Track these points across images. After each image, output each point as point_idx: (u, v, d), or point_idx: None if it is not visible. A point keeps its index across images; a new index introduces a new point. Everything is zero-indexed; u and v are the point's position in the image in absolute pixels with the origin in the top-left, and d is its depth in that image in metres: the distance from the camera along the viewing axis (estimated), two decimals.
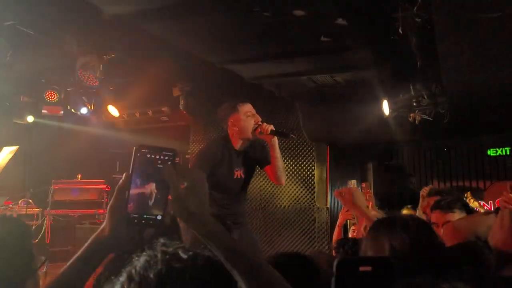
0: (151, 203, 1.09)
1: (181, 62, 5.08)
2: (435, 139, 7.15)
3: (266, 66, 4.95)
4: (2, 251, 1.59)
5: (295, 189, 6.87)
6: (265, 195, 6.97)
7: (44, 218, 6.97)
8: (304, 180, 6.83)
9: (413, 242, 1.50)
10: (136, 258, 0.92)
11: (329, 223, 6.59)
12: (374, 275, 1.06)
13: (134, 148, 1.11)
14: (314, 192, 6.80)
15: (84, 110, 6.97)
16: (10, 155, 6.54)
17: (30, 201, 6.96)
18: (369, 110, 5.58)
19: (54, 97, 6.70)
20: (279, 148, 3.53)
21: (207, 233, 1.07)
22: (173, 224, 1.13)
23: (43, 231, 6.81)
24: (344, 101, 5.92)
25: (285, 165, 3.83)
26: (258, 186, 6.86)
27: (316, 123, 6.47)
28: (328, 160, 6.89)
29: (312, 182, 6.81)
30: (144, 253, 0.92)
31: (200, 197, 1.09)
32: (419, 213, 3.94)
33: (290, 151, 6.80)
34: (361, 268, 1.06)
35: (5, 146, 6.61)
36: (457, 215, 2.85)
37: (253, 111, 3.48)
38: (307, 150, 6.86)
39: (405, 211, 4.46)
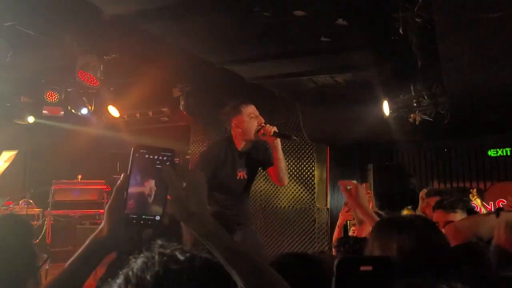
0: (149, 203, 1.09)
1: (181, 62, 5.08)
2: (435, 140, 7.15)
3: (266, 66, 4.95)
4: (5, 249, 1.59)
5: (295, 190, 6.87)
6: (265, 196, 6.97)
7: (45, 219, 6.97)
8: (304, 181, 6.83)
9: (421, 242, 1.50)
10: (133, 259, 0.91)
11: (329, 224, 6.59)
12: (375, 275, 1.06)
13: (132, 148, 1.11)
14: (314, 192, 6.80)
15: (84, 111, 6.97)
16: (10, 160, 6.56)
17: (31, 201, 6.97)
18: (369, 110, 5.57)
19: (54, 98, 6.70)
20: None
21: (206, 234, 1.07)
22: (171, 225, 1.13)
23: (43, 231, 6.82)
24: (344, 102, 5.91)
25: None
26: (258, 187, 6.87)
27: (316, 123, 6.47)
28: (328, 160, 6.89)
29: (312, 183, 6.81)
30: (142, 255, 0.91)
31: (200, 198, 1.09)
32: (418, 214, 3.94)
33: (290, 151, 6.80)
34: (362, 268, 1.06)
35: (6, 146, 6.62)
36: (459, 215, 2.85)
37: (257, 112, 3.50)
38: (307, 151, 6.86)
39: (405, 212, 4.46)
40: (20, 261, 1.58)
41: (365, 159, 7.07)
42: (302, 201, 6.82)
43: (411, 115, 5.26)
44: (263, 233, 6.81)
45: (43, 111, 6.91)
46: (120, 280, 0.89)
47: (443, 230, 2.32)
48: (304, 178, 6.83)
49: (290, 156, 6.77)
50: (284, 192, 6.90)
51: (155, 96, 6.84)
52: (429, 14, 3.40)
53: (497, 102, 5.30)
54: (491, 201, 6.70)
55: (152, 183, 1.09)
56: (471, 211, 3.10)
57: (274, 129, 3.42)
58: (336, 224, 3.84)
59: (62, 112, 6.97)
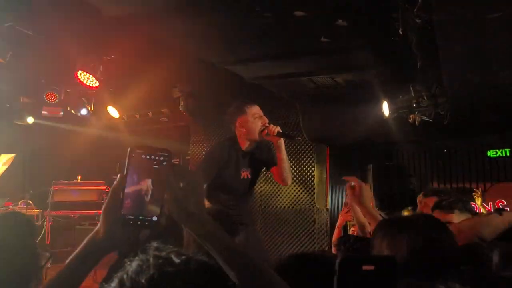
0: (146, 204, 1.09)
1: (181, 62, 5.08)
2: (435, 140, 7.15)
3: (266, 66, 4.95)
4: (6, 249, 1.59)
5: (295, 190, 6.87)
6: (265, 196, 6.97)
7: (44, 219, 6.96)
8: (304, 181, 6.83)
9: (432, 242, 1.50)
10: (128, 262, 0.90)
11: (328, 224, 6.58)
12: (377, 274, 1.06)
13: (129, 149, 1.10)
14: (314, 193, 6.79)
15: (84, 111, 6.96)
16: (8, 163, 6.56)
17: (30, 202, 6.96)
18: (369, 111, 5.58)
19: (54, 98, 6.69)
20: None
21: (205, 234, 1.06)
22: (171, 226, 1.12)
23: (43, 232, 6.81)
24: (344, 102, 5.91)
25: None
26: (258, 187, 6.86)
27: (316, 123, 6.47)
28: (328, 161, 6.89)
29: (312, 183, 6.81)
30: (137, 258, 0.90)
31: (198, 198, 1.09)
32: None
33: (290, 151, 6.79)
34: (364, 267, 1.06)
35: (5, 147, 6.62)
36: (457, 216, 2.85)
37: (261, 112, 3.54)
38: (307, 151, 6.86)
39: (405, 213, 4.46)
40: (21, 260, 1.58)
41: (365, 159, 7.06)
42: (301, 202, 6.82)
43: (411, 116, 5.26)
44: (263, 234, 6.80)
45: (43, 112, 6.90)
46: (114, 283, 0.88)
47: None
48: (303, 178, 6.83)
49: (290, 156, 6.72)
50: (284, 193, 6.90)
51: (155, 97, 6.84)
52: (429, 14, 3.39)
53: (497, 102, 5.30)
54: (490, 201, 6.70)
55: (149, 183, 1.09)
56: (471, 211, 3.10)
57: (278, 129, 3.45)
58: (335, 224, 3.83)
59: (62, 113, 6.97)
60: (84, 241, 1.12)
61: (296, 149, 6.84)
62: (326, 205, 6.75)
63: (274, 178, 3.83)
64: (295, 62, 4.77)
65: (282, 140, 3.51)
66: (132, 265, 0.88)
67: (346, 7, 3.53)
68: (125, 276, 0.87)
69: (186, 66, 5.24)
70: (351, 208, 3.19)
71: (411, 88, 4.86)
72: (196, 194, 1.08)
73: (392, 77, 4.76)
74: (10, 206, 6.77)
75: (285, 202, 6.91)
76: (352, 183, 2.47)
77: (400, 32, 3.59)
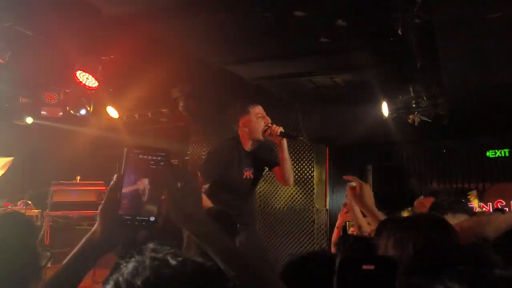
0: (144, 204, 1.08)
1: (180, 63, 5.08)
2: (434, 140, 7.16)
3: (265, 66, 4.95)
4: (6, 249, 1.59)
5: (294, 191, 6.86)
6: (264, 197, 6.96)
7: (43, 220, 6.95)
8: (303, 181, 6.82)
9: (438, 241, 1.50)
10: (124, 264, 0.89)
11: (328, 225, 6.58)
12: (377, 274, 1.06)
13: (126, 149, 1.10)
14: (313, 193, 6.78)
15: (83, 112, 6.95)
16: (6, 167, 6.56)
17: (29, 202, 6.95)
18: (368, 111, 5.58)
19: (53, 99, 6.69)
20: None
21: (203, 235, 1.06)
22: (169, 226, 1.12)
23: (42, 232, 6.79)
24: (344, 102, 5.91)
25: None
26: (257, 187, 6.84)
27: (315, 124, 6.46)
28: (327, 161, 6.89)
29: (311, 183, 6.80)
30: (133, 259, 0.89)
31: (196, 198, 1.08)
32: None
33: (289, 152, 6.74)
34: (364, 267, 1.06)
35: (4, 147, 6.61)
36: (451, 217, 2.84)
37: (264, 113, 3.58)
38: (306, 151, 6.85)
39: (405, 214, 4.45)
40: (21, 260, 1.57)
41: (364, 159, 7.06)
42: (301, 202, 6.81)
43: (410, 116, 5.27)
44: (262, 234, 6.80)
45: (42, 112, 6.89)
46: (109, 286, 0.87)
47: None
48: (303, 178, 6.82)
49: (289, 156, 6.75)
50: (283, 193, 6.89)
51: (154, 97, 6.83)
52: (428, 14, 3.40)
53: (496, 102, 5.30)
54: (489, 201, 6.71)
55: (146, 183, 1.09)
56: (467, 212, 3.09)
57: (281, 129, 3.49)
58: (335, 225, 3.83)
59: (61, 113, 6.96)
60: (82, 242, 1.12)
61: (296, 149, 6.83)
62: (325, 205, 6.75)
63: (276, 178, 3.85)
64: (294, 62, 4.77)
65: (284, 140, 3.53)
66: (128, 267, 0.87)
67: (345, 7, 3.54)
68: (120, 278, 0.86)
69: (185, 66, 5.24)
70: (350, 209, 3.19)
71: (411, 89, 4.87)
72: (194, 195, 1.08)
73: (391, 78, 4.76)
74: (9, 207, 6.75)
75: (284, 202, 6.90)
76: (353, 183, 2.47)
77: (400, 32, 3.59)
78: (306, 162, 6.84)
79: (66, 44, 4.76)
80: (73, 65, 5.37)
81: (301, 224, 6.75)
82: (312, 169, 6.81)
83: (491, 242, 1.85)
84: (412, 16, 3.43)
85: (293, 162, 6.77)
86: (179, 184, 1.06)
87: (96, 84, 5.64)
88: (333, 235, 3.75)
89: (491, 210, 6.49)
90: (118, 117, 7.17)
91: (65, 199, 7.27)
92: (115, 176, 1.11)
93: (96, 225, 1.12)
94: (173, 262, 0.87)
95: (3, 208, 6.62)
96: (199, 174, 3.42)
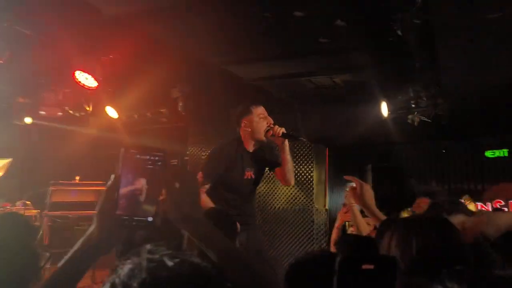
0: (141, 204, 1.08)
1: (180, 63, 5.08)
2: (433, 140, 7.16)
3: (265, 67, 4.95)
4: (5, 249, 1.58)
5: (293, 191, 6.85)
6: (263, 197, 6.96)
7: (43, 220, 6.94)
8: (302, 182, 6.82)
9: (442, 241, 1.50)
10: (121, 266, 0.87)
11: (327, 225, 6.58)
12: (377, 273, 1.06)
13: (122, 149, 1.09)
14: (313, 193, 6.78)
15: (82, 112, 6.94)
16: (4, 169, 6.54)
17: (28, 202, 6.94)
18: (367, 111, 5.58)
19: (52, 99, 6.67)
20: None
21: (202, 236, 1.06)
22: (166, 226, 1.11)
23: (41, 232, 6.78)
24: (343, 103, 5.92)
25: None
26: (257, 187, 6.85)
27: (315, 124, 6.47)
28: (327, 161, 6.89)
29: (311, 184, 6.80)
30: (129, 261, 0.87)
31: (194, 199, 1.08)
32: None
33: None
34: (364, 266, 1.06)
35: (3, 147, 6.59)
36: (453, 217, 2.84)
37: (266, 113, 3.60)
38: (306, 151, 6.85)
39: (404, 214, 4.45)
40: (21, 261, 1.57)
41: (364, 159, 7.07)
42: (300, 202, 6.81)
43: (410, 116, 5.27)
44: (261, 234, 6.80)
45: (41, 112, 6.87)
46: (106, 287, 0.86)
47: None
48: (302, 179, 6.82)
49: None
50: (283, 193, 6.89)
51: (154, 97, 6.81)
52: (428, 15, 3.40)
53: (496, 103, 5.31)
54: (488, 202, 6.71)
55: (143, 183, 1.08)
56: (465, 213, 3.09)
57: (283, 130, 3.49)
58: (334, 225, 3.83)
59: (60, 113, 6.94)
60: (79, 242, 1.11)
61: (295, 150, 6.83)
62: (325, 205, 6.75)
63: (277, 179, 3.85)
64: (294, 63, 4.77)
65: (286, 141, 3.55)
66: (124, 269, 0.86)
67: (345, 7, 3.54)
68: (117, 280, 0.84)
69: (185, 66, 5.24)
70: (350, 209, 3.20)
71: (410, 89, 4.87)
72: (192, 195, 1.08)
73: (391, 78, 4.76)
74: (8, 207, 6.74)
75: (283, 202, 6.90)
76: (352, 184, 2.46)
77: (399, 32, 3.59)
78: (305, 162, 6.84)
79: (66, 44, 4.75)
80: (72, 65, 5.36)
81: (300, 224, 6.75)
82: (312, 169, 6.81)
83: (492, 242, 1.85)
84: (411, 16, 3.43)
85: (292, 162, 6.79)
86: (177, 185, 1.06)
87: (96, 84, 5.62)
88: (332, 235, 3.76)
89: (490, 210, 6.49)
90: (118, 117, 7.15)
91: (64, 199, 7.26)
92: (112, 176, 1.10)
93: (93, 225, 1.11)
94: (170, 263, 0.86)
95: (2, 208, 6.61)
96: (200, 174, 3.42)
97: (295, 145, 6.76)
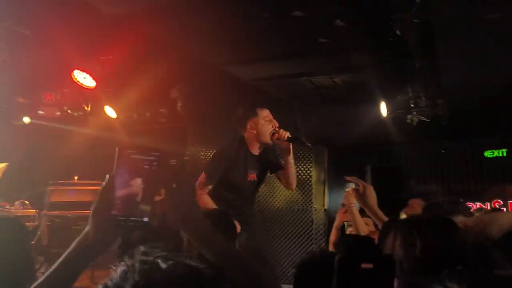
0: (137, 204, 1.07)
1: (179, 63, 5.07)
2: (432, 141, 7.16)
3: (264, 67, 4.95)
4: (2, 251, 1.58)
5: (292, 191, 6.84)
6: (263, 197, 6.95)
7: (41, 220, 6.93)
8: (302, 182, 6.81)
9: (445, 241, 1.50)
10: (114, 268, 0.87)
11: (326, 225, 6.58)
12: (376, 273, 1.05)
13: (117, 148, 1.08)
14: (312, 193, 6.78)
15: (81, 111, 6.93)
16: (1, 172, 6.54)
17: (27, 202, 6.93)
18: (367, 111, 5.58)
19: (50, 98, 6.66)
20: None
21: (200, 237, 1.05)
22: (161, 227, 1.10)
23: (39, 232, 6.77)
24: (342, 103, 5.92)
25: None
26: None
27: (314, 124, 6.46)
28: (326, 161, 6.88)
29: (310, 184, 6.80)
30: (123, 263, 0.86)
31: (192, 199, 1.08)
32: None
33: None
34: (363, 265, 1.05)
35: (1, 147, 6.58)
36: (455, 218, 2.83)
37: (271, 116, 3.60)
38: (305, 152, 6.85)
39: (404, 215, 4.44)
40: (14, 267, 1.56)
41: (363, 160, 7.07)
42: (299, 202, 6.81)
43: (409, 116, 5.27)
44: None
45: (40, 112, 6.86)
46: None
47: None
48: (301, 179, 6.81)
49: None
50: (282, 193, 6.88)
51: (153, 97, 6.81)
52: (427, 15, 3.39)
53: (495, 103, 5.31)
54: (487, 202, 6.72)
55: (139, 183, 1.07)
56: (465, 213, 3.08)
57: (288, 134, 3.49)
58: (333, 225, 3.83)
59: (59, 113, 6.93)
60: (74, 243, 1.11)
61: (295, 150, 6.82)
62: (324, 205, 6.75)
63: (280, 182, 3.85)
64: (294, 63, 4.77)
65: (291, 145, 3.55)
66: (118, 271, 0.85)
67: (345, 7, 3.53)
68: (109, 283, 0.84)
69: (184, 66, 5.23)
70: (348, 209, 3.19)
71: (409, 89, 4.86)
72: (189, 196, 1.07)
73: (390, 78, 4.76)
74: (6, 207, 6.73)
75: (283, 202, 6.89)
76: (352, 184, 2.46)
77: (399, 32, 3.59)
78: (305, 162, 6.84)
79: (64, 44, 4.74)
80: (71, 64, 5.35)
81: (299, 224, 6.75)
82: (311, 169, 6.81)
83: (494, 242, 1.85)
84: (411, 16, 3.43)
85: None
86: (175, 185, 1.05)
87: (94, 83, 5.62)
88: (331, 235, 3.76)
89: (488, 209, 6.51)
90: (116, 117, 7.14)
91: (62, 199, 7.26)
92: (107, 176, 1.09)
93: (88, 226, 1.10)
94: (163, 265, 0.85)
95: (0, 208, 6.60)
96: (203, 175, 3.40)
97: (294, 145, 6.76)
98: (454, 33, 3.54)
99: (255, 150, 3.61)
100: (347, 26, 3.73)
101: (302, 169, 6.82)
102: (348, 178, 2.56)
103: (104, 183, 1.09)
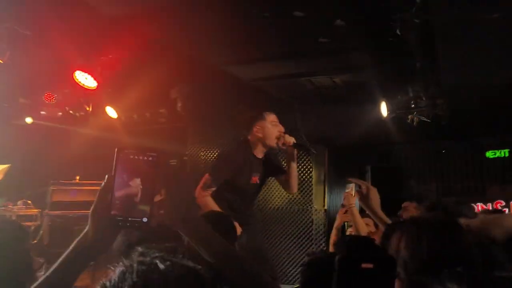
0: (136, 205, 1.07)
1: (179, 63, 5.07)
2: (433, 141, 7.15)
3: (264, 67, 4.95)
4: (1, 251, 1.58)
5: (293, 195, 6.83)
6: (262, 197, 6.94)
7: (43, 219, 6.94)
8: (301, 182, 6.81)
9: (451, 242, 1.51)
10: (112, 268, 0.87)
11: (326, 225, 6.57)
12: (376, 273, 1.06)
13: (116, 149, 1.09)
14: (312, 194, 6.77)
15: (82, 112, 6.93)
16: (2, 174, 6.55)
17: (29, 202, 6.94)
18: (367, 111, 5.58)
19: (52, 99, 6.67)
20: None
21: (199, 238, 1.06)
22: (160, 227, 1.10)
23: (41, 232, 6.79)
24: (342, 103, 5.91)
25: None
26: None
27: (314, 124, 6.46)
28: (326, 161, 6.88)
29: (310, 184, 6.79)
30: (121, 263, 0.87)
31: (190, 200, 1.08)
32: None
33: None
34: (363, 265, 1.06)
35: (3, 147, 6.59)
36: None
37: (277, 120, 3.59)
38: (305, 152, 6.84)
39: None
40: (16, 264, 1.56)
41: (363, 160, 7.06)
42: (299, 203, 6.80)
43: (409, 116, 5.26)
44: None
45: (41, 112, 6.87)
46: None
47: None
48: (301, 179, 6.80)
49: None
50: (282, 194, 6.88)
51: (153, 97, 6.81)
52: (427, 15, 3.39)
53: (496, 103, 5.30)
54: (489, 202, 6.70)
55: (138, 184, 1.08)
56: (468, 215, 3.07)
57: (294, 140, 3.54)
58: (333, 225, 3.83)
59: (60, 113, 6.94)
60: (74, 243, 1.11)
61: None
62: (324, 205, 6.74)
63: (281, 186, 3.88)
64: (294, 63, 4.77)
65: (295, 151, 3.58)
66: (116, 272, 0.85)
67: (345, 7, 3.54)
68: (107, 284, 0.84)
69: (184, 66, 5.23)
70: (349, 209, 3.20)
71: (409, 89, 4.86)
72: (190, 196, 1.08)
73: (390, 78, 4.76)
74: (9, 206, 6.75)
75: (282, 203, 6.89)
76: (352, 189, 2.46)
77: (399, 32, 3.59)
78: (304, 162, 6.83)
79: (65, 44, 4.75)
80: (72, 65, 5.36)
81: (299, 225, 6.74)
82: (311, 169, 6.80)
83: (499, 244, 1.84)
84: (411, 16, 3.43)
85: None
86: (174, 185, 1.06)
87: (95, 84, 5.62)
88: (331, 236, 3.76)
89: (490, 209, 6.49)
90: (117, 117, 7.15)
91: (64, 199, 7.27)
92: (106, 176, 1.10)
93: (87, 226, 1.10)
94: (161, 266, 0.85)
95: (3, 207, 6.62)
96: (208, 176, 3.40)
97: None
98: (454, 33, 3.54)
99: (259, 153, 3.64)
100: (347, 26, 3.73)
101: (302, 169, 6.82)
102: (352, 179, 2.56)
103: (103, 184, 1.10)
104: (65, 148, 7.58)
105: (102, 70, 5.39)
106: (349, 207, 3.18)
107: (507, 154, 7.08)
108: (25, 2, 3.92)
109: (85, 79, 5.52)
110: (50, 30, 4.46)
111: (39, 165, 7.84)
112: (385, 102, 5.21)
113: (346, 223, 4.04)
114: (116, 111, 6.97)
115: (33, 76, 6.35)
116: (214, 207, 3.20)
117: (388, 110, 5.20)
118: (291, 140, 3.54)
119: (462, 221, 2.69)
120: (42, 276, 1.07)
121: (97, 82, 5.57)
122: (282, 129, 3.60)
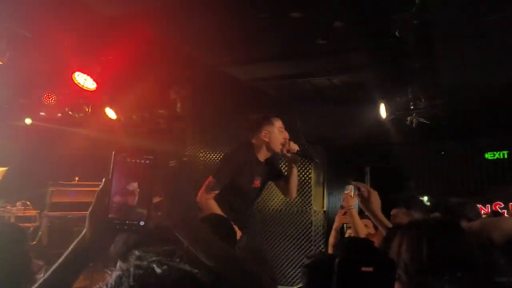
0: (133, 208, 1.07)
1: (178, 64, 5.08)
2: (432, 142, 7.15)
3: (263, 68, 4.95)
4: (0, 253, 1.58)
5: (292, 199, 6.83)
6: (262, 198, 6.93)
7: (42, 220, 6.93)
8: (301, 183, 6.80)
9: (452, 245, 1.50)
10: (109, 272, 0.86)
11: (325, 227, 6.56)
12: (376, 276, 1.05)
13: (113, 152, 1.09)
14: (311, 195, 6.77)
15: (81, 113, 6.93)
16: (0, 176, 6.55)
17: (28, 203, 6.93)
18: (366, 112, 5.58)
19: (51, 100, 6.67)
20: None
21: (198, 241, 1.05)
22: (157, 230, 1.10)
23: (40, 233, 6.78)
24: (341, 104, 5.91)
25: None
26: None
27: (313, 125, 6.46)
28: (325, 163, 6.87)
29: (309, 185, 6.78)
30: (118, 267, 0.86)
31: (189, 202, 1.08)
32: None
33: None
34: (363, 269, 1.05)
35: (3, 148, 6.59)
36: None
37: (284, 127, 3.67)
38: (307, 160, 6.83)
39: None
40: (15, 267, 1.56)
41: (362, 161, 7.06)
42: (298, 204, 6.79)
43: (408, 118, 5.27)
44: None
45: (40, 113, 6.87)
46: None
47: None
48: (301, 180, 6.79)
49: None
50: (281, 195, 6.84)
51: (152, 98, 6.81)
52: (426, 15, 3.39)
53: (495, 104, 5.30)
54: (488, 204, 6.69)
55: (135, 187, 1.07)
56: (470, 218, 3.05)
57: (297, 147, 3.59)
58: (332, 227, 3.83)
59: (59, 114, 6.94)
60: (71, 246, 1.11)
61: None
62: (323, 207, 6.73)
63: (280, 191, 3.92)
64: (292, 64, 4.77)
65: (297, 157, 3.65)
66: (112, 276, 0.85)
67: (343, 8, 3.54)
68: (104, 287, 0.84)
69: (183, 67, 5.24)
70: (348, 211, 3.19)
71: (408, 90, 4.86)
72: (190, 197, 1.08)
73: (389, 79, 4.76)
74: (8, 207, 6.74)
75: (281, 204, 6.88)
76: (350, 191, 2.46)
77: (398, 33, 3.59)
78: (303, 163, 6.82)
79: (65, 45, 4.75)
80: (71, 66, 5.36)
81: (298, 226, 6.74)
82: (310, 171, 6.79)
83: (499, 247, 1.84)
84: (411, 17, 3.43)
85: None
86: (173, 186, 1.05)
87: (94, 85, 5.62)
88: (330, 237, 3.76)
89: (489, 212, 6.48)
90: (116, 118, 7.15)
91: (63, 200, 7.26)
92: (103, 179, 1.10)
93: (85, 229, 1.10)
94: (158, 270, 0.85)
95: (2, 209, 6.62)
96: (211, 179, 3.41)
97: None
98: (454, 33, 3.54)
99: (262, 157, 3.67)
100: (346, 26, 3.73)
101: (301, 170, 6.81)
102: (353, 183, 2.56)
103: (100, 186, 1.09)
104: (64, 149, 7.57)
105: (102, 71, 5.39)
106: (348, 209, 3.17)
107: (506, 156, 7.07)
108: (25, 3, 3.92)
109: (84, 80, 5.52)
110: (49, 31, 4.46)
111: (38, 166, 7.83)
112: (384, 103, 5.22)
113: (345, 224, 4.03)
114: (115, 112, 6.97)
115: (32, 77, 6.35)
116: (217, 210, 3.19)
117: (387, 112, 5.20)
118: (295, 147, 3.59)
119: (463, 223, 2.68)
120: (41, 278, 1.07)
121: (96, 83, 5.57)
122: (287, 136, 3.65)
